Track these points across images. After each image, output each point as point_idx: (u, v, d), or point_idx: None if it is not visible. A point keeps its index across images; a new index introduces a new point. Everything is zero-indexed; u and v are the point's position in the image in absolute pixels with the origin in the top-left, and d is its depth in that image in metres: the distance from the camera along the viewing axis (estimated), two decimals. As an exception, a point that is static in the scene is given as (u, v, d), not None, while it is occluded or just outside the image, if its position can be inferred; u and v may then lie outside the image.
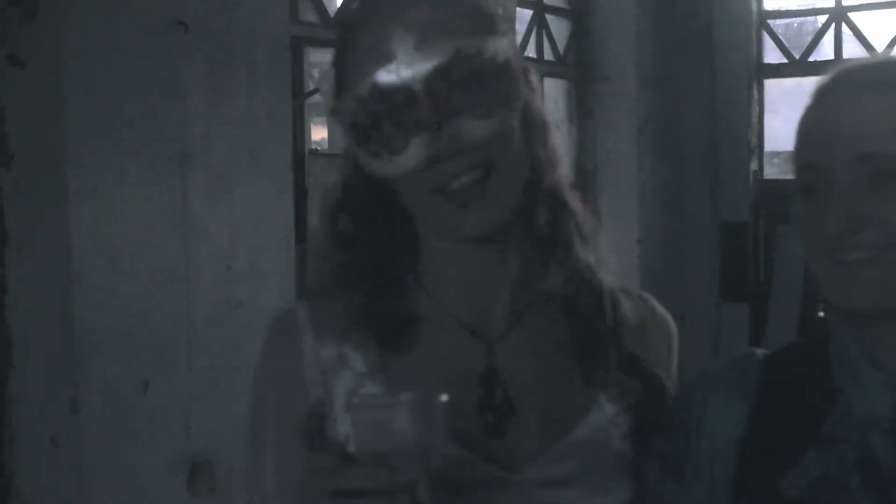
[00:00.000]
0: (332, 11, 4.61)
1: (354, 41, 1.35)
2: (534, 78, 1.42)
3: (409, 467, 1.12)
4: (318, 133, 6.66)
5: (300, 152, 4.22)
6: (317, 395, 1.37)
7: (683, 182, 6.63)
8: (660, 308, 1.55)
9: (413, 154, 1.29)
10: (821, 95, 1.35)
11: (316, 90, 4.51)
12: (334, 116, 1.36)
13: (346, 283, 1.42)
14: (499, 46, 1.33)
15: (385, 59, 1.29)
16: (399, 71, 1.28)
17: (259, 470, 1.42)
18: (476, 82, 1.30)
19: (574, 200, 1.46)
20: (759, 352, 1.48)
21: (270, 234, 3.70)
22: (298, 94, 4.18)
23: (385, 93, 1.29)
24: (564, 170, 1.45)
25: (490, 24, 1.35)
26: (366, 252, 1.41)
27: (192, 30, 3.41)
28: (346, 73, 1.36)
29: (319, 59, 7.24)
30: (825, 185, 1.29)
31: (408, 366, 1.38)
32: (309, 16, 4.49)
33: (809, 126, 1.34)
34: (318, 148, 4.84)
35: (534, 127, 1.39)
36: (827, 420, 1.33)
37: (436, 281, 1.42)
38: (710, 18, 6.72)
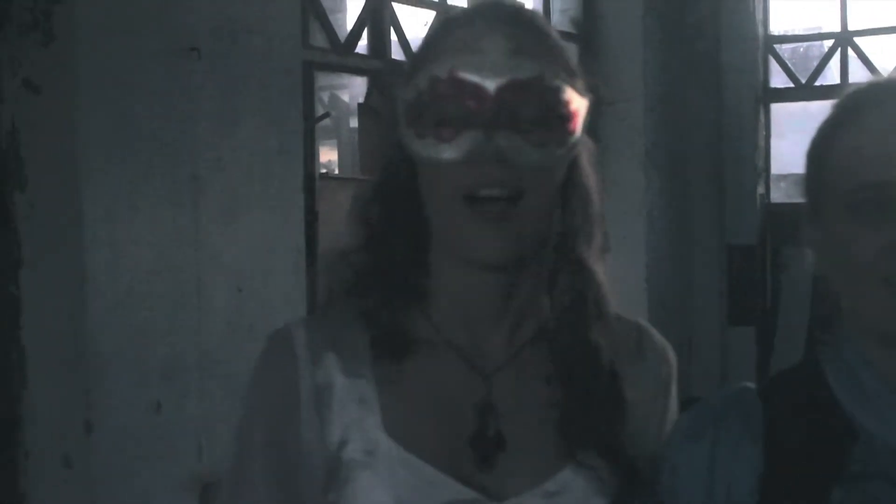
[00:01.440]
0: (342, 37, 4.65)
1: (446, 36, 1.38)
2: (588, 152, 1.44)
3: None
4: (325, 155, 6.71)
5: (310, 176, 4.26)
6: (309, 423, 1.37)
7: (690, 205, 6.65)
8: (658, 339, 1.52)
9: (457, 146, 1.31)
10: (864, 108, 1.33)
11: (327, 114, 4.55)
12: (396, 95, 1.39)
13: (359, 285, 1.42)
14: (573, 97, 1.37)
15: (474, 52, 1.32)
16: (482, 68, 1.31)
17: (243, 495, 1.41)
18: (543, 112, 1.33)
19: (600, 275, 1.46)
20: (752, 386, 1.46)
21: (281, 256, 3.73)
22: (309, 117, 4.22)
23: (460, 82, 1.32)
24: (598, 242, 1.46)
25: (573, 78, 1.39)
26: (386, 251, 1.42)
27: (205, 55, 3.45)
28: (426, 58, 1.38)
29: (328, 83, 7.30)
30: (891, 206, 1.27)
31: (402, 392, 1.38)
32: (319, 41, 4.52)
33: (865, 141, 1.31)
34: (328, 171, 4.88)
35: (576, 191, 1.41)
36: (850, 455, 1.31)
37: (439, 309, 1.41)
38: (716, 42, 6.76)
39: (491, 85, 1.31)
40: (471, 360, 1.39)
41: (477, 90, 1.31)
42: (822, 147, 1.38)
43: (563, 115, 1.35)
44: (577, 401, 1.39)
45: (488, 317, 1.41)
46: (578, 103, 1.38)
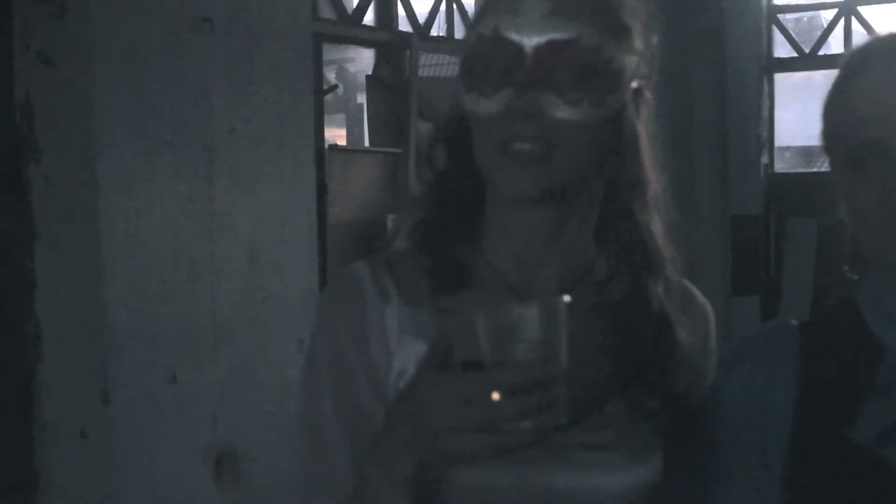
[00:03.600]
0: (349, 9, 4.65)
1: None
2: (645, 105, 1.48)
3: (541, 370, 1.15)
4: (333, 130, 6.72)
5: (320, 148, 4.27)
6: (378, 357, 1.41)
7: (694, 176, 6.66)
8: (700, 297, 1.59)
9: (496, 102, 1.37)
10: (860, 67, 1.40)
11: (335, 86, 4.55)
12: (461, 46, 1.46)
13: (422, 224, 1.48)
14: (617, 56, 1.40)
15: (514, 12, 1.37)
16: (520, 28, 1.37)
17: (319, 420, 1.43)
18: (580, 71, 1.37)
19: (653, 228, 1.49)
20: (793, 321, 1.53)
21: (294, 227, 3.74)
22: (318, 89, 4.22)
23: (500, 40, 1.38)
24: (652, 196, 1.49)
25: (621, 36, 1.41)
26: (447, 192, 1.48)
27: (218, 27, 3.45)
28: (480, 15, 1.44)
29: (335, 57, 7.29)
30: (886, 157, 1.33)
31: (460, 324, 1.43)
32: (327, 13, 4.52)
33: (858, 100, 1.38)
34: (338, 143, 4.89)
35: (623, 145, 1.44)
36: (880, 372, 1.39)
37: (493, 247, 1.47)
38: (720, 12, 6.75)
39: (528, 44, 1.36)
40: (522, 296, 1.43)
41: (515, 49, 1.36)
42: (830, 104, 1.47)
43: (602, 74, 1.38)
44: (626, 347, 1.43)
45: (537, 254, 1.47)
46: (625, 61, 1.41)
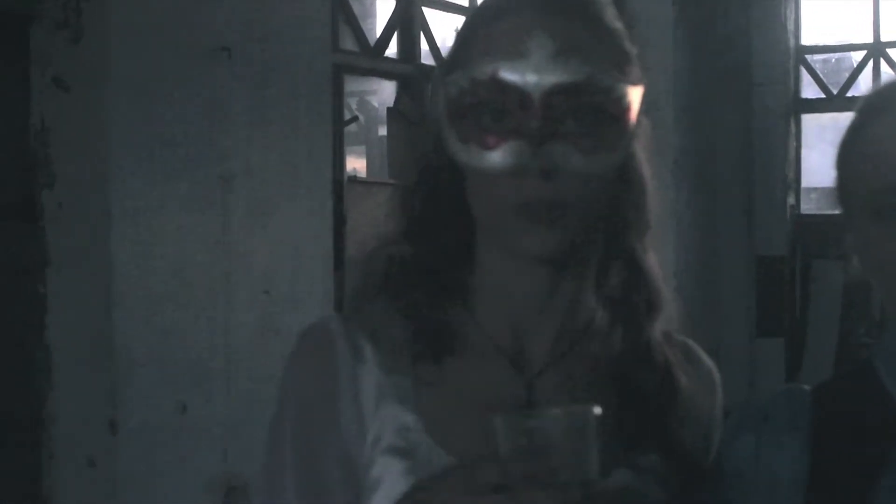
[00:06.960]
0: (371, 41, 4.64)
1: (489, 27, 1.28)
2: (646, 137, 1.35)
3: (564, 479, 1.07)
4: (353, 162, 6.69)
5: (338, 179, 4.24)
6: (349, 424, 1.30)
7: (720, 216, 6.61)
8: (706, 359, 1.46)
9: (502, 156, 1.23)
10: (881, 109, 1.31)
11: (355, 118, 4.52)
12: (436, 84, 1.31)
13: (399, 279, 1.36)
14: (626, 92, 1.26)
15: (516, 55, 1.23)
16: (525, 72, 1.22)
17: (279, 493, 1.35)
18: (593, 116, 1.24)
19: (654, 268, 1.37)
20: (804, 386, 1.44)
21: (309, 259, 3.71)
22: (338, 121, 4.20)
23: (502, 87, 1.23)
24: (650, 235, 1.37)
25: (626, 67, 1.28)
26: (429, 244, 1.34)
27: (236, 55, 3.43)
28: (470, 47, 1.29)
29: (357, 89, 7.28)
30: None
31: (442, 392, 1.31)
32: (349, 44, 4.51)
33: (881, 144, 1.28)
34: (357, 175, 4.86)
35: (630, 183, 1.33)
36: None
37: (483, 306, 1.35)
38: (747, 52, 6.72)
39: (536, 91, 1.21)
40: (514, 361, 1.33)
41: (521, 96, 1.22)
42: (846, 151, 1.36)
43: (614, 115, 1.25)
44: (629, 398, 1.33)
45: (533, 313, 1.33)
46: (632, 96, 1.27)
